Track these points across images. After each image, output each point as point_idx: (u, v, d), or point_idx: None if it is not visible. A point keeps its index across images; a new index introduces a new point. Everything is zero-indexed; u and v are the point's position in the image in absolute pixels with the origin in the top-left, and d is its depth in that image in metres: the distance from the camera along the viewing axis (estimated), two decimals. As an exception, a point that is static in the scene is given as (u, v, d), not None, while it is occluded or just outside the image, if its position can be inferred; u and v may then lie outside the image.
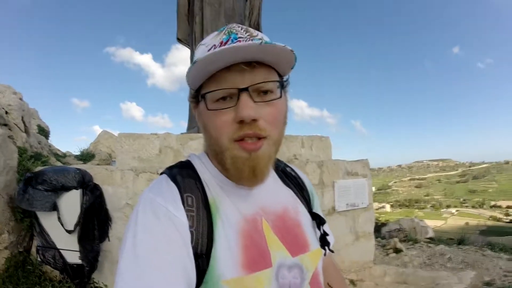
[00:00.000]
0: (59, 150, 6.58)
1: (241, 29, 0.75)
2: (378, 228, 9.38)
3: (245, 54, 0.68)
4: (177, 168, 0.82)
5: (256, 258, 0.74)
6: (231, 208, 0.78)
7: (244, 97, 0.69)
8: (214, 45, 0.71)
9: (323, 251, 0.91)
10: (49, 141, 6.61)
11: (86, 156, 6.60)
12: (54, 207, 3.32)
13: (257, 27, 4.70)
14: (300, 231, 0.86)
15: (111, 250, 3.49)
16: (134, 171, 3.59)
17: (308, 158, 4.42)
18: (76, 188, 3.34)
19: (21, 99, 5.21)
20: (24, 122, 4.84)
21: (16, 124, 4.52)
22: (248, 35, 0.72)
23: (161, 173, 0.82)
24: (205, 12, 4.27)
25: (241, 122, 0.69)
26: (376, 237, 7.54)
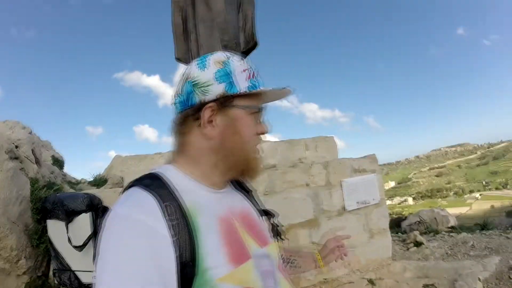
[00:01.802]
0: (73, 178, 6.74)
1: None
2: (399, 223, 9.26)
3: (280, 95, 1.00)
4: (148, 179, 0.83)
5: (238, 252, 0.82)
6: (207, 211, 0.83)
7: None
8: (248, 69, 0.92)
9: (276, 242, 1.06)
10: (64, 170, 6.74)
11: (99, 181, 6.73)
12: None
13: (252, 37, 4.73)
14: (259, 227, 0.99)
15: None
16: None
17: (313, 160, 4.37)
18: (85, 211, 3.44)
19: (30, 132, 5.46)
20: (34, 154, 5.05)
21: (26, 157, 4.72)
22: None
23: (129, 187, 0.82)
24: (198, 29, 4.40)
25: (261, 134, 0.95)
26: (397, 232, 7.42)
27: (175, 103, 0.93)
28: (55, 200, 3.67)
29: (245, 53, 4.74)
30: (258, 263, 0.85)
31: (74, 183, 6.34)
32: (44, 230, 3.86)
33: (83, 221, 3.43)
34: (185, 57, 4.71)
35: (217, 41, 4.32)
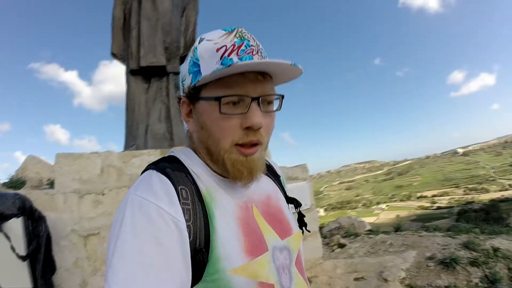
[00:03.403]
0: (-19, 179, 6.13)
1: (250, 35, 0.81)
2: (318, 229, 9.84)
3: (268, 67, 0.76)
4: (164, 162, 0.82)
5: (255, 243, 0.79)
6: (225, 197, 0.81)
7: (255, 106, 0.76)
8: (225, 46, 0.76)
9: (301, 232, 1.00)
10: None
11: (15, 183, 6.16)
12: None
13: (192, 43, 4.65)
14: (283, 216, 0.94)
15: (60, 283, 3.26)
16: (78, 193, 3.46)
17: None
18: (17, 215, 3.04)
19: None
20: None
21: None
22: (255, 44, 0.80)
23: (145, 170, 0.82)
24: (142, 26, 4.27)
25: (248, 128, 0.76)
26: (317, 238, 7.93)
27: None
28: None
29: (184, 58, 4.74)
30: (275, 256, 0.82)
31: (-17, 184, 5.81)
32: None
33: (15, 228, 3.05)
34: (121, 54, 4.61)
35: (159, 41, 4.29)
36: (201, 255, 0.70)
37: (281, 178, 1.09)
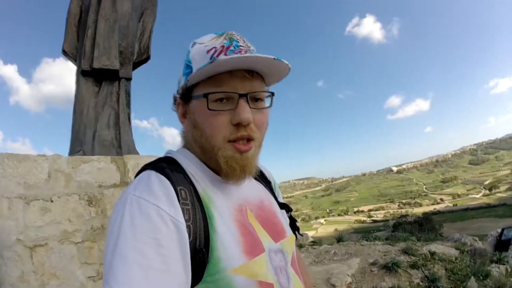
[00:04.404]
0: None
1: (239, 37, 0.85)
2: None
3: (252, 63, 0.79)
4: (162, 162, 0.83)
5: (253, 244, 0.80)
6: (221, 199, 0.83)
7: (243, 102, 0.78)
8: (215, 47, 0.81)
9: (294, 235, 1.03)
10: None
11: None
12: None
13: (147, 50, 4.71)
14: (277, 219, 0.96)
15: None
16: (24, 199, 3.25)
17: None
18: None
19: None
20: None
21: None
22: (245, 45, 0.84)
23: (141, 170, 0.83)
24: (99, 26, 4.15)
25: (238, 124, 0.78)
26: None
27: None
28: None
29: (136, 64, 4.68)
30: (271, 257, 0.84)
31: None
32: None
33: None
34: (73, 52, 4.44)
35: (115, 44, 4.21)
36: (201, 255, 0.71)
37: (272, 184, 1.12)
